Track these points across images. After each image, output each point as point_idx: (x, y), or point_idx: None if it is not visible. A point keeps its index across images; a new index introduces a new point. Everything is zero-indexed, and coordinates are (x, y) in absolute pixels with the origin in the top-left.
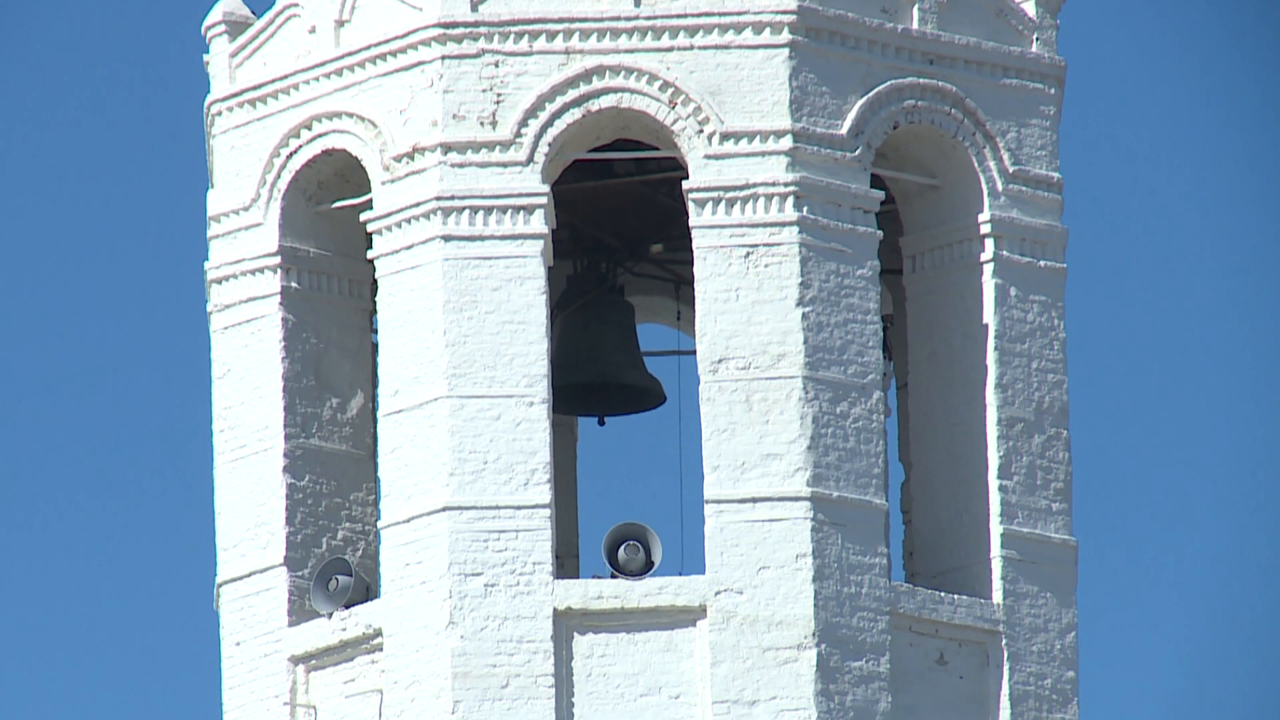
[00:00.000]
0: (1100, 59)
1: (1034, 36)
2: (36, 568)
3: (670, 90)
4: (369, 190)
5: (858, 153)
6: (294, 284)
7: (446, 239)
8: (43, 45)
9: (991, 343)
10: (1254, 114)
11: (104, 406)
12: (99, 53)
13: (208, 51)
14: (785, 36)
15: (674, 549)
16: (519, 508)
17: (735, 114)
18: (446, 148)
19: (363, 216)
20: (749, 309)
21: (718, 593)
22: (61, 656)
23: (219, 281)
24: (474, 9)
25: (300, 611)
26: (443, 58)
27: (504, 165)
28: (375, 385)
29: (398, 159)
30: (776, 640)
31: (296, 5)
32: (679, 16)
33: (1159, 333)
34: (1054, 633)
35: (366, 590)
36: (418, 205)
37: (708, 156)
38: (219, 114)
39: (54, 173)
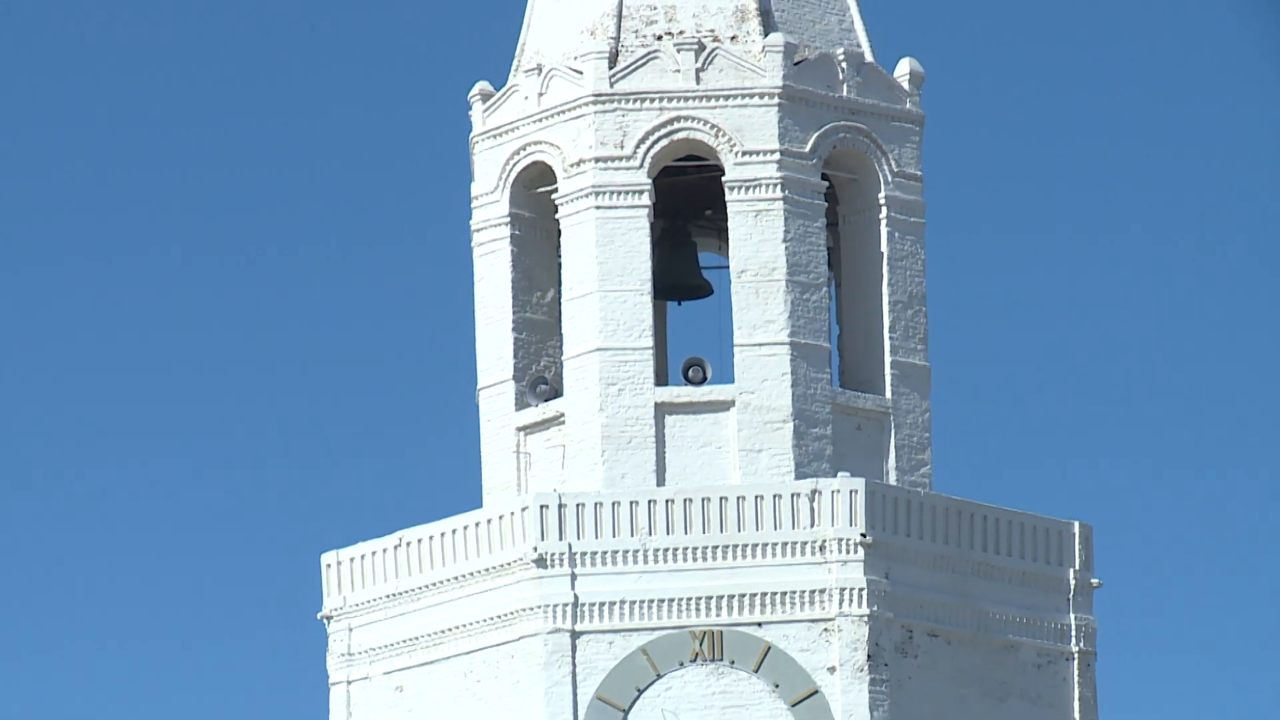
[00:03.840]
0: (944, 108)
1: (907, 100)
2: (372, 394)
3: (715, 128)
4: (556, 182)
5: (814, 162)
6: (516, 231)
7: (598, 208)
8: (389, 106)
9: (886, 262)
10: (1034, 121)
11: (423, 304)
12: (418, 107)
13: (470, 109)
14: (775, 100)
15: (720, 370)
16: (635, 348)
17: (750, 140)
18: (597, 160)
19: (554, 196)
20: (757, 244)
21: (741, 393)
22: (375, 433)
23: (477, 229)
24: (611, 85)
25: (522, 403)
26: (595, 111)
27: (627, 168)
28: (560, 285)
29: (572, 165)
30: (771, 418)
31: (516, 87)
32: (720, 89)
33: (979, 255)
34: (919, 413)
35: (556, 392)
36: (582, 190)
37: (735, 164)
38: (477, 142)
39: (397, 182)
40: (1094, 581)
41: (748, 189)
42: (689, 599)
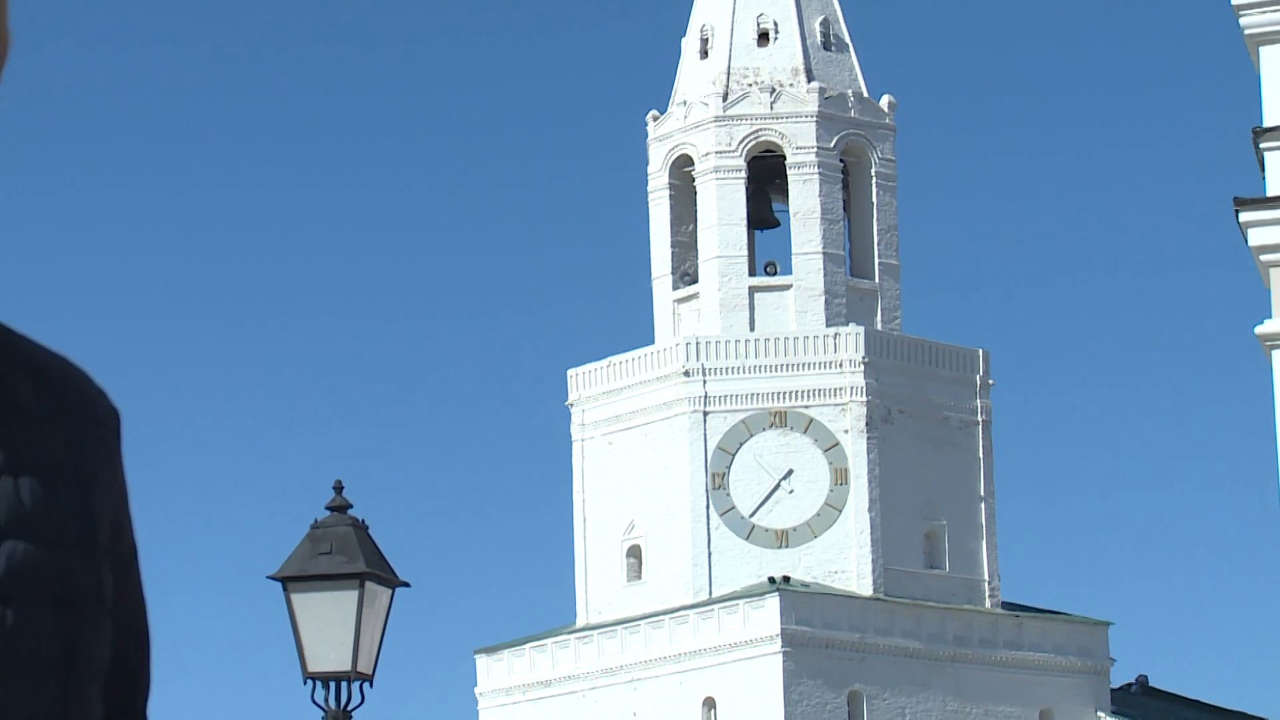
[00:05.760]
0: (910, 122)
1: (887, 118)
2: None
3: (781, 134)
4: (694, 164)
5: (836, 153)
6: (671, 193)
7: (717, 179)
8: (609, 124)
9: (875, 208)
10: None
11: (621, 233)
12: (622, 123)
13: (647, 124)
14: (814, 119)
15: (784, 266)
16: (737, 255)
17: (800, 141)
18: (717, 152)
19: (693, 173)
20: (804, 198)
21: (795, 280)
22: (594, 304)
23: (651, 191)
24: (724, 112)
25: (676, 285)
26: (715, 126)
27: (733, 157)
28: (696, 221)
29: (703, 156)
30: (812, 294)
31: (672, 112)
32: (784, 114)
33: (930, 201)
34: (893, 291)
35: (694, 280)
36: (708, 170)
37: (793, 154)
38: (650, 143)
39: (608, 165)
40: (990, 381)
41: (799, 168)
42: (769, 391)
